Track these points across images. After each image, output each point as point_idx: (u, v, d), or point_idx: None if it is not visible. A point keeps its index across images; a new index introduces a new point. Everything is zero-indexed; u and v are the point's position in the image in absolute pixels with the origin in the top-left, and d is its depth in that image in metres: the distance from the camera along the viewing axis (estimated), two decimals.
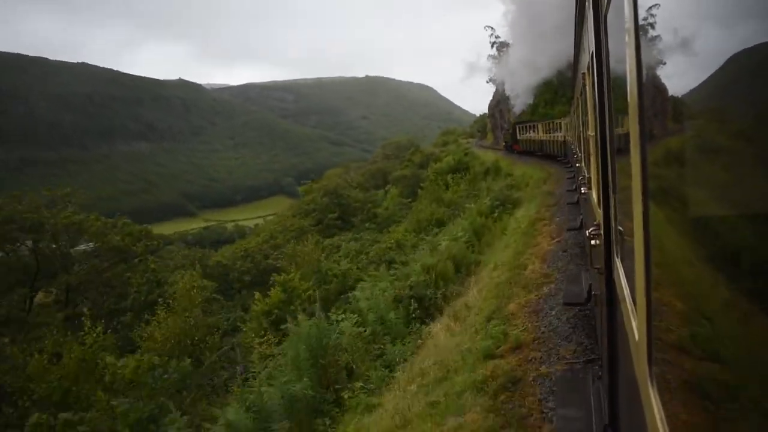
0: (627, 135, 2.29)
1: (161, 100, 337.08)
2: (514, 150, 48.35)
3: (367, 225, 59.62)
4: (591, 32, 3.95)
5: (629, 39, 1.97)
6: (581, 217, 11.31)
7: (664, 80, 2.02)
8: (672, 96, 1.96)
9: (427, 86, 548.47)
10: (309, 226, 63.49)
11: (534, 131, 42.00)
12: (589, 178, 6.42)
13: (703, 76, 1.36)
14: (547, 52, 48.95)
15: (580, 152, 10.78)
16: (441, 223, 30.39)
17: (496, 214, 20.69)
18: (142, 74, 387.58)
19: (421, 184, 52.68)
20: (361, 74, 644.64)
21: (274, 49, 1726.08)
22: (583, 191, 8.53)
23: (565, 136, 28.35)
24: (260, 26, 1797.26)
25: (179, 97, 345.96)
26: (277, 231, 70.82)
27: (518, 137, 47.49)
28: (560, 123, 31.39)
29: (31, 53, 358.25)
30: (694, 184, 1.40)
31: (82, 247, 43.83)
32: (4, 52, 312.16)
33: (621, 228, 2.84)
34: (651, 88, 1.89)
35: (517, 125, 49.00)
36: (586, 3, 4.36)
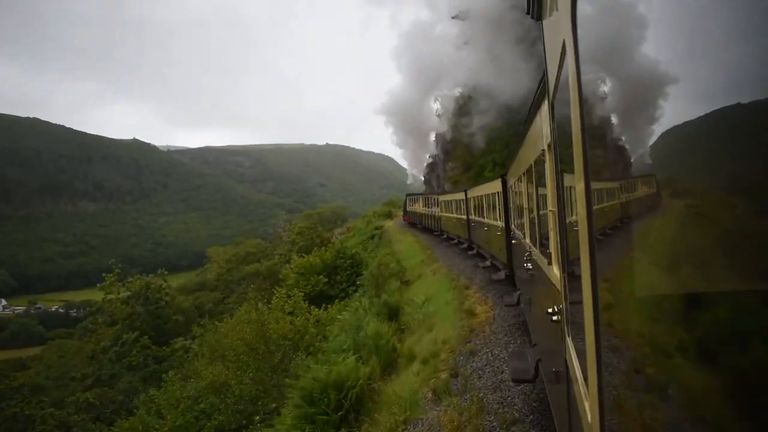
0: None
1: (111, 159, 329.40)
2: (404, 221, 51.80)
3: None
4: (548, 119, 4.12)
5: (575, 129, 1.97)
6: (518, 293, 11.84)
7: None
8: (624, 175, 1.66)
9: (387, 156, 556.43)
10: None
11: (417, 204, 46.33)
12: (549, 254, 6.04)
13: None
14: None
15: (521, 230, 10.64)
16: None
17: None
18: (97, 133, 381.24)
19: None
20: (321, 142, 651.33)
21: (235, 113, 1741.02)
22: (529, 267, 8.48)
23: (441, 212, 33.63)
24: (224, 91, 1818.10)
25: (132, 157, 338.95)
26: None
27: (407, 209, 51.83)
28: (437, 199, 36.53)
29: None
30: (641, 263, 1.41)
31: None
32: None
33: (572, 306, 2.88)
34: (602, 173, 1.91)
35: (407, 197, 53.19)
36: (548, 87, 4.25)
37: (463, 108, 61.03)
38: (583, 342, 2.22)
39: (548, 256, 6.16)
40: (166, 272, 67.40)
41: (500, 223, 15.83)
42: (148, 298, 55.05)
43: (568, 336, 3.10)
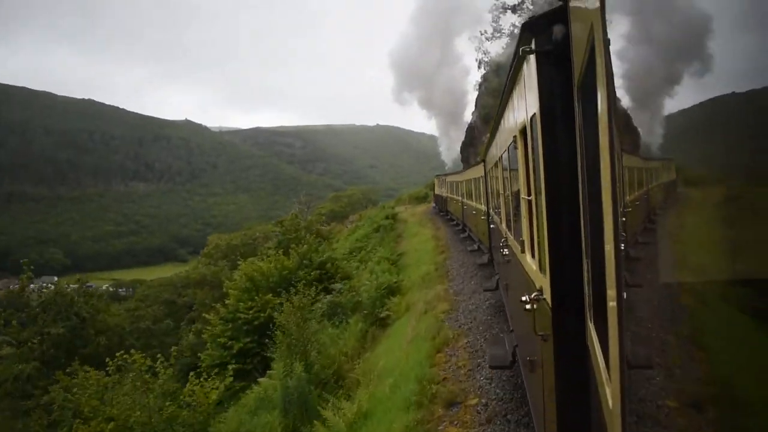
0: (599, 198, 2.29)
1: (163, 140, 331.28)
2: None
3: None
4: (534, 92, 3.95)
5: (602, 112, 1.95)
6: (497, 277, 12.06)
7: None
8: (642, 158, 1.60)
9: (437, 137, 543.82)
10: None
11: (443, 188, 38.34)
12: (522, 242, 5.81)
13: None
14: None
15: (498, 215, 10.44)
16: None
17: None
18: (151, 114, 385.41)
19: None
20: (371, 123, 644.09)
21: (287, 95, 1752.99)
22: (505, 253, 8.22)
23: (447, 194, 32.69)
24: (276, 73, 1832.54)
25: (182, 138, 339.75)
26: None
27: (435, 192, 44.74)
28: (444, 179, 35.12)
29: (38, 87, 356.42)
30: (667, 251, 1.24)
31: None
32: (9, 85, 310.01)
33: (594, 293, 2.85)
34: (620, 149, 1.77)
35: (436, 178, 44.44)
36: (524, 63, 4.44)
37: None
38: (605, 328, 2.21)
39: (521, 243, 5.94)
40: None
41: (483, 207, 15.81)
42: (65, 311, 39.48)
43: (591, 321, 2.99)
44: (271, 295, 20.70)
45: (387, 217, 40.07)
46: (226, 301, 21.59)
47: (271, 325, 16.47)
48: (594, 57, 2.40)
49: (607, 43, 2.08)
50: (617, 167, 1.83)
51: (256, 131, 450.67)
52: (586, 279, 3.25)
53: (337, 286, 20.71)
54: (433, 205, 44.71)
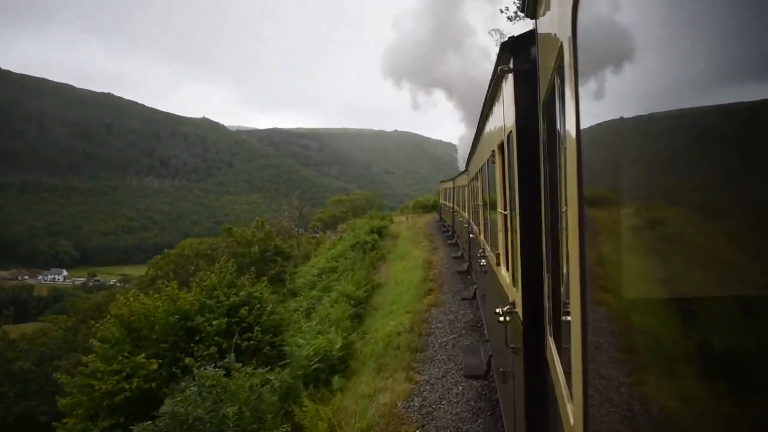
0: (563, 215, 2.27)
1: (179, 136, 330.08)
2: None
3: None
4: (512, 109, 4.15)
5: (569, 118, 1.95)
6: (474, 287, 11.93)
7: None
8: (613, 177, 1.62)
9: (455, 145, 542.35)
10: None
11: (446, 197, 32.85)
12: (497, 254, 5.92)
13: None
14: None
15: (478, 225, 10.56)
16: None
17: None
18: (169, 110, 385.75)
19: None
20: (390, 128, 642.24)
21: (307, 97, 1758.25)
22: (482, 264, 8.28)
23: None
24: (296, 75, 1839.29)
25: (199, 135, 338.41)
26: None
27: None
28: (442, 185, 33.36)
29: (59, 79, 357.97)
30: (632, 267, 1.25)
31: None
32: (29, 76, 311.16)
33: (555, 307, 2.89)
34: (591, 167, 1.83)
35: (441, 184, 38.65)
36: (503, 81, 4.65)
37: None
38: (566, 342, 2.19)
39: (497, 256, 5.98)
40: None
41: (466, 215, 15.61)
42: None
43: (550, 336, 3.03)
44: (155, 350, 12.06)
45: (372, 231, 31.39)
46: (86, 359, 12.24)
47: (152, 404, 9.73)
48: (554, 78, 2.54)
49: (562, 66, 2.16)
50: (576, 185, 1.87)
51: (273, 132, 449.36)
52: (546, 294, 3.31)
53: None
54: (438, 216, 39.10)
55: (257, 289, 14.23)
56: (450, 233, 24.69)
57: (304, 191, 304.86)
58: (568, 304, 2.14)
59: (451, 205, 24.60)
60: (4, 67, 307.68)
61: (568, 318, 2.16)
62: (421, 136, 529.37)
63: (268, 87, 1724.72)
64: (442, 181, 38.69)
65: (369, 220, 36.80)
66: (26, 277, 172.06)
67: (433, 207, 49.36)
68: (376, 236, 30.10)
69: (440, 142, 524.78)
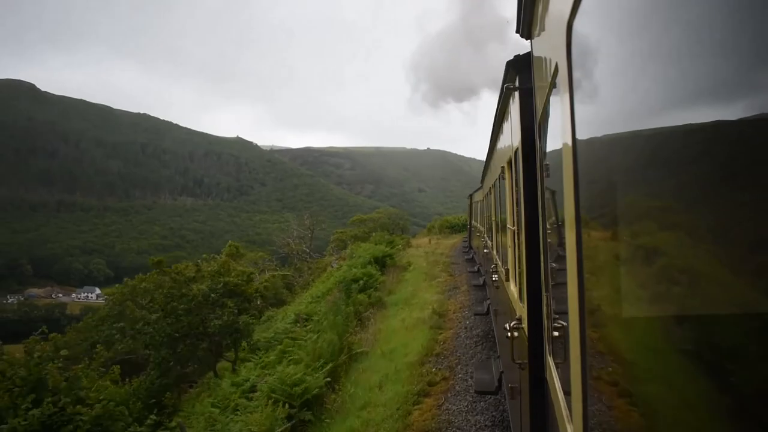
0: (561, 232, 2.29)
1: (213, 155, 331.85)
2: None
3: None
4: (518, 127, 4.21)
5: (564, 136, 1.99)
6: (488, 302, 11.89)
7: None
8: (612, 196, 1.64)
9: None
10: None
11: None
12: (507, 270, 6.14)
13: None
14: None
15: (491, 240, 10.58)
16: None
17: None
18: (203, 130, 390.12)
19: None
20: (422, 146, 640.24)
21: (340, 116, 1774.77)
22: (494, 279, 8.31)
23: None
24: (329, 95, 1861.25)
25: (232, 155, 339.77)
26: None
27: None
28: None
29: (96, 101, 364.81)
30: (629, 283, 1.40)
31: None
32: (67, 98, 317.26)
33: (555, 326, 2.87)
34: (588, 187, 1.83)
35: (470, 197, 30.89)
36: (510, 99, 4.81)
37: None
38: (565, 361, 2.18)
39: (507, 271, 6.09)
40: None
41: (483, 229, 15.16)
42: None
43: (549, 355, 3.06)
44: None
45: (370, 263, 23.55)
46: None
47: None
48: (549, 98, 2.63)
49: (557, 86, 2.24)
50: (573, 203, 1.89)
51: (306, 151, 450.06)
52: (545, 312, 3.31)
53: None
54: (465, 239, 32.55)
55: None
56: (477, 266, 18.98)
57: (336, 210, 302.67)
58: (566, 322, 2.11)
59: (469, 218, 23.41)
60: (43, 89, 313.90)
61: (565, 335, 2.15)
62: (455, 154, 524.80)
63: (301, 107, 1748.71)
64: (470, 195, 31.40)
65: (373, 246, 29.07)
66: (60, 295, 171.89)
67: (463, 227, 42.83)
68: (374, 269, 22.37)
69: (473, 160, 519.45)
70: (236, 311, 19.06)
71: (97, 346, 22.07)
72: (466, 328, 12.75)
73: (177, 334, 18.35)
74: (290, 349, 13.99)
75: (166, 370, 18.57)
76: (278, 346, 15.22)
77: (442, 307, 15.07)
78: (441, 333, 12.66)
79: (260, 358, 16.30)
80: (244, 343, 18.96)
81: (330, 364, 11.43)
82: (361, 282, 20.02)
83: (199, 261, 22.68)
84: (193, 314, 18.61)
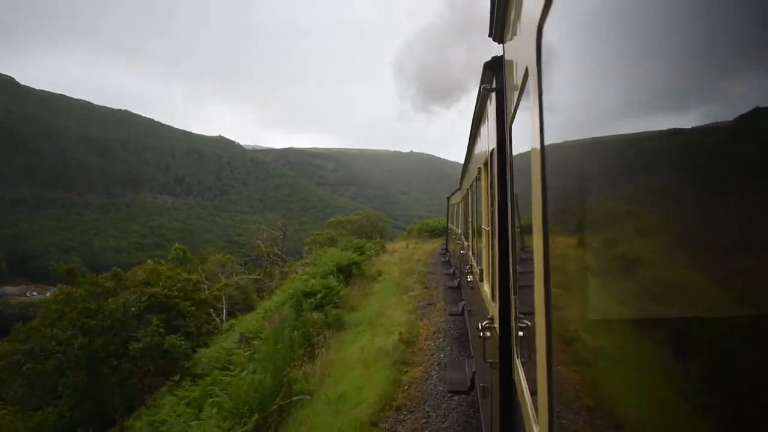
0: (529, 231, 2.29)
1: (194, 154, 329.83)
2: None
3: None
4: (494, 128, 4.30)
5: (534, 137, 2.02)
6: (463, 302, 11.96)
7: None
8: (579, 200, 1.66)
9: None
10: None
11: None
12: (481, 270, 6.23)
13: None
14: None
15: (468, 241, 10.70)
16: None
17: None
18: (185, 128, 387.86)
19: None
20: (406, 149, 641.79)
21: (323, 117, 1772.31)
22: (469, 279, 8.53)
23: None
24: (313, 96, 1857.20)
25: (214, 154, 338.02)
26: None
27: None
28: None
29: (78, 96, 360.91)
30: (596, 286, 1.42)
31: None
32: (48, 92, 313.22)
33: (522, 326, 2.92)
34: (556, 188, 1.85)
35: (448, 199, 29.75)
36: (487, 100, 4.82)
37: None
38: (532, 362, 2.19)
39: (481, 271, 6.16)
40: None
41: (460, 231, 15.33)
42: None
43: (517, 357, 3.13)
44: None
45: (332, 273, 19.98)
46: None
47: None
48: (519, 101, 2.68)
49: (527, 89, 2.28)
50: (540, 205, 1.92)
51: (289, 151, 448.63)
52: (513, 314, 3.35)
53: None
54: (443, 246, 30.95)
55: None
56: (453, 268, 18.11)
57: (318, 211, 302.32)
58: (533, 323, 2.15)
59: (446, 221, 23.54)
60: (23, 83, 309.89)
61: (532, 336, 2.18)
62: (438, 157, 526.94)
63: (284, 107, 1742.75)
64: (448, 198, 29.54)
65: (339, 252, 25.54)
66: (35, 294, 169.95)
67: (443, 231, 39.57)
68: (336, 280, 18.79)
69: (457, 163, 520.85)
70: (161, 330, 16.71)
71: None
72: (440, 365, 9.91)
73: (101, 355, 16.06)
74: (210, 388, 11.98)
75: (79, 402, 16.10)
76: (215, 372, 13.47)
77: (412, 332, 12.38)
78: (406, 371, 9.81)
79: (186, 389, 14.11)
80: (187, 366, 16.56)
81: (255, 416, 8.87)
82: (318, 296, 16.54)
83: (119, 270, 21.39)
84: (112, 333, 16.40)
